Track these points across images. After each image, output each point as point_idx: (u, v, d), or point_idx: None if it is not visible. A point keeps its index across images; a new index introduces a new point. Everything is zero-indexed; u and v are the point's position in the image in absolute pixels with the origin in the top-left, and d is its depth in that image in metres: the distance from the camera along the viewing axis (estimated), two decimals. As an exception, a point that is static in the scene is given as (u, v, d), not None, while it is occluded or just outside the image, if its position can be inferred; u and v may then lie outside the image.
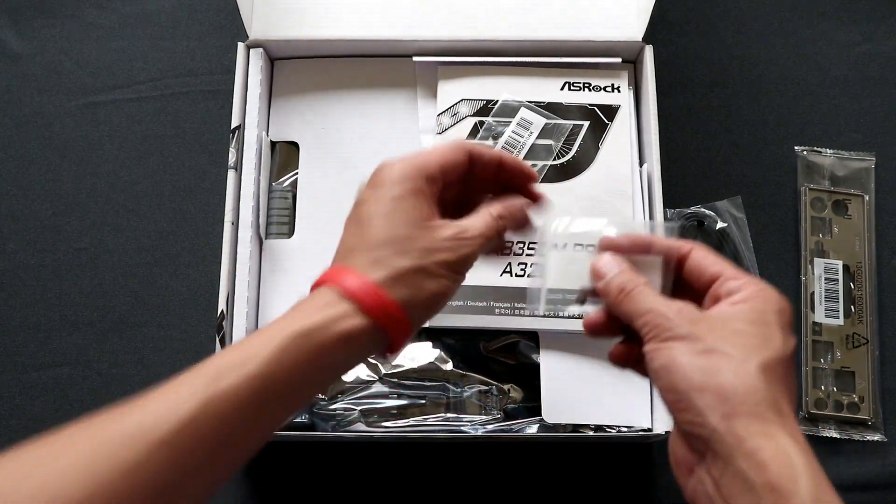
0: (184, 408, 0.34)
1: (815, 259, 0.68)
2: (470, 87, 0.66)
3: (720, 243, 0.69)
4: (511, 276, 0.61)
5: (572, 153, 0.64)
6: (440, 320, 0.60)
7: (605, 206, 0.63)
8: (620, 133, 0.65)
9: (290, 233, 0.64)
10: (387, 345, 0.40)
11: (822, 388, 0.66)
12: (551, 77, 0.66)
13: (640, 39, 0.65)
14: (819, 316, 0.67)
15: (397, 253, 0.40)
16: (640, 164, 0.65)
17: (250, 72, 0.65)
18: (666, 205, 0.62)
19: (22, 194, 0.71)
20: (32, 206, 0.70)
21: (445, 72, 0.66)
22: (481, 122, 0.65)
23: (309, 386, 0.39)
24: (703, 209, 0.69)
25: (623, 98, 0.66)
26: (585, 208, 0.63)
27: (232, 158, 0.62)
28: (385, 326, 0.39)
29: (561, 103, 0.65)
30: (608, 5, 0.66)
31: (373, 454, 0.64)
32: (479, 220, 0.43)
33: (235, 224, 0.61)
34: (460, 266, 0.42)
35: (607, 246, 0.43)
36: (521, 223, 0.46)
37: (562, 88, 0.66)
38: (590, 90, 0.66)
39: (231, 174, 0.62)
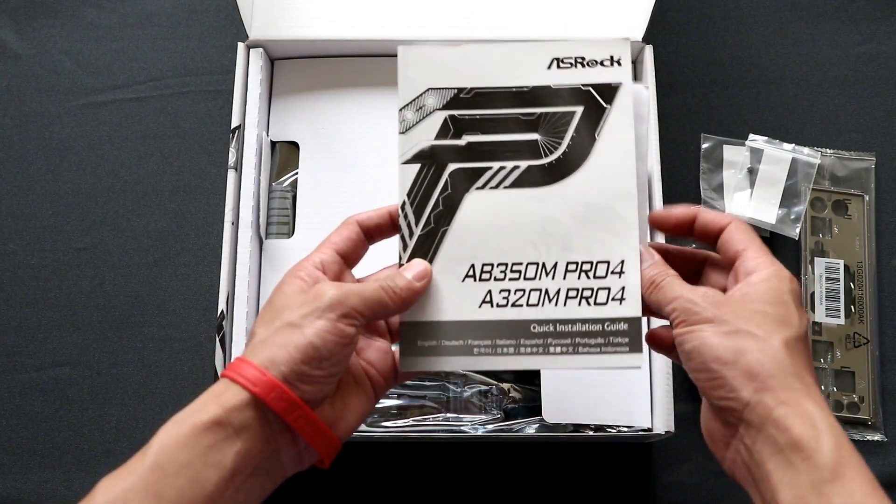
0: None
1: (816, 259, 0.68)
2: (438, 74, 0.50)
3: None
4: (492, 306, 0.47)
5: (562, 149, 0.49)
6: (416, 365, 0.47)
7: (604, 213, 0.47)
8: (622, 118, 0.49)
9: (290, 233, 0.64)
10: (277, 417, 0.41)
11: (823, 387, 0.66)
12: (536, 54, 0.50)
13: (640, 39, 0.65)
14: (819, 316, 0.67)
15: (270, 322, 0.42)
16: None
17: (250, 72, 0.65)
18: (666, 205, 0.62)
19: (22, 194, 0.71)
20: (32, 206, 0.70)
21: (407, 54, 0.50)
22: (452, 118, 0.49)
23: (203, 469, 0.39)
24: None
25: (625, 73, 0.49)
26: (580, 218, 0.47)
27: (232, 158, 0.62)
28: (262, 395, 0.40)
29: (548, 86, 0.49)
30: (608, 5, 0.66)
31: (373, 454, 0.64)
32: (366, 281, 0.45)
33: (235, 224, 0.61)
34: (327, 311, 0.41)
35: (654, 221, 0.49)
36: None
37: (549, 67, 0.50)
38: (583, 66, 0.50)
39: (231, 174, 0.62)
